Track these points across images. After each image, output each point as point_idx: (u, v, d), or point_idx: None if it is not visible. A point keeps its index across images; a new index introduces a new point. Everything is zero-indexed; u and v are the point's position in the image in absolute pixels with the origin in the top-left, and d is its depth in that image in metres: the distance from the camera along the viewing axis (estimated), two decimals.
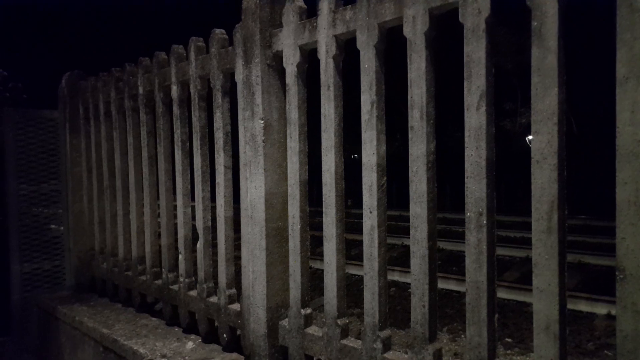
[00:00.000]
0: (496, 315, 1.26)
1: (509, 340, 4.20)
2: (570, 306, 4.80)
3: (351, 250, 7.80)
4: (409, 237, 1.40)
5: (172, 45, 2.34)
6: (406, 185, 1.40)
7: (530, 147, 1.16)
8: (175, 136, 2.33)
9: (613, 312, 4.62)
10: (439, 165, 1.38)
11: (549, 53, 1.09)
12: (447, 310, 5.04)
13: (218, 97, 2.06)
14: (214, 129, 2.07)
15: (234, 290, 2.07)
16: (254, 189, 1.82)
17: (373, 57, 1.47)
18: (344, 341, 1.59)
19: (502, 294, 5.30)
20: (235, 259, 2.10)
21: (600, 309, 4.78)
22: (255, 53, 1.80)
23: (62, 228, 3.44)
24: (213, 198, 2.16)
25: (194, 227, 2.26)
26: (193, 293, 2.24)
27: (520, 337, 4.26)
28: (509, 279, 6.02)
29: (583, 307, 4.89)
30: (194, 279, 2.29)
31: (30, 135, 3.40)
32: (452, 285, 5.75)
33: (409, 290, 1.52)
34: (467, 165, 1.25)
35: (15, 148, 3.34)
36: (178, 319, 2.35)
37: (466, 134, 1.24)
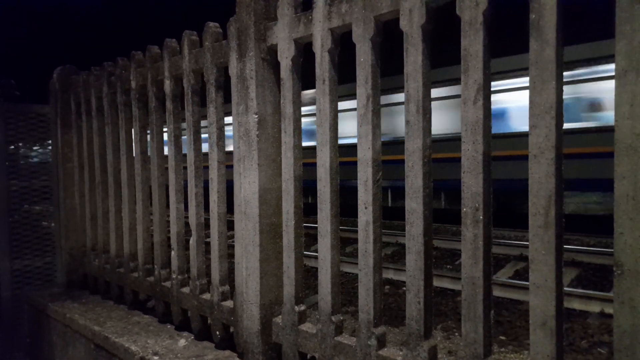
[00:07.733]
0: (492, 312, 1.25)
1: (503, 337, 4.20)
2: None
3: (345, 248, 7.78)
4: (404, 234, 1.39)
5: (165, 39, 2.31)
6: None
7: None
8: (168, 131, 2.30)
9: (606, 309, 4.63)
10: None
11: (547, 46, 1.08)
12: (441, 308, 5.03)
13: (212, 92, 2.03)
14: (208, 123, 2.05)
15: (227, 287, 2.04)
16: (248, 185, 1.79)
17: (369, 50, 1.45)
18: (338, 338, 1.57)
19: (495, 291, 5.32)
20: (229, 256, 2.08)
21: (594, 307, 4.79)
22: (249, 47, 1.77)
23: (53, 224, 3.40)
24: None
25: (187, 224, 2.23)
26: (186, 290, 2.21)
27: (514, 334, 4.26)
28: (503, 276, 6.03)
29: (577, 305, 4.91)
30: (186, 275, 2.26)
31: (21, 130, 3.36)
32: (446, 283, 5.75)
33: (404, 287, 1.51)
34: (463, 159, 1.23)
35: (6, 143, 3.29)
36: (170, 316, 2.33)
37: (463, 128, 1.23)
